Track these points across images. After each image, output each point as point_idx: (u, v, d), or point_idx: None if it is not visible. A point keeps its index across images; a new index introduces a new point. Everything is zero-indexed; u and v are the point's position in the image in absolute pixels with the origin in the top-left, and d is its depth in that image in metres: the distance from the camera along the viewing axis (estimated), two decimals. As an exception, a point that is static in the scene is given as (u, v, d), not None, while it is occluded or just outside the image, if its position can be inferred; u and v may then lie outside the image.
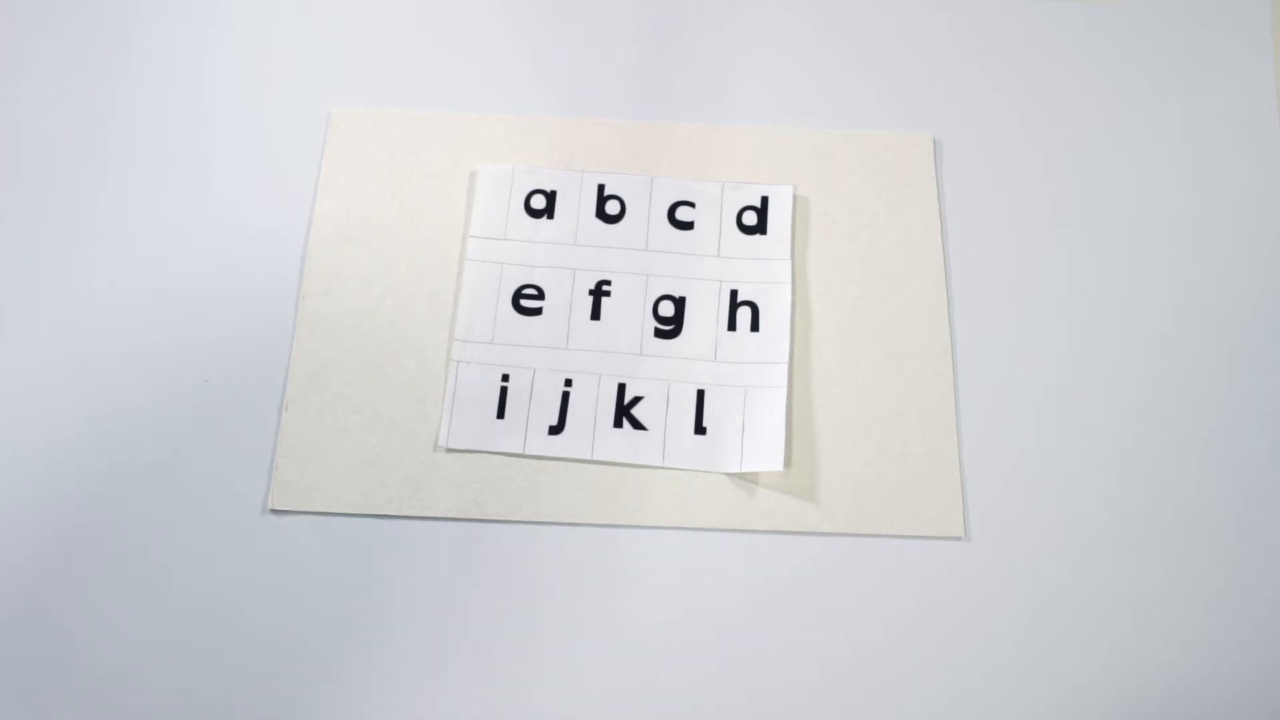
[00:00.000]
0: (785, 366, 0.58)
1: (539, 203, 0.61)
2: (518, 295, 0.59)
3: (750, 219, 0.61)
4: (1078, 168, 0.63)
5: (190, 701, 0.52)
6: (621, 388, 0.57)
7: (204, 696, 0.52)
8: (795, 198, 0.62)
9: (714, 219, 0.61)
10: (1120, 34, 0.66)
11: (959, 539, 0.55)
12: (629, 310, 0.59)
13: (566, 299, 0.59)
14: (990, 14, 0.67)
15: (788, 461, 0.56)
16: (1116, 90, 0.65)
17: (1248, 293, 0.61)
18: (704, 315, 0.59)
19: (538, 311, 0.59)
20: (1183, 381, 0.59)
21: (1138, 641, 0.54)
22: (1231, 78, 0.66)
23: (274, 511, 0.55)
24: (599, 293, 0.59)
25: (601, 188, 0.62)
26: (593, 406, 0.57)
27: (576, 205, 0.61)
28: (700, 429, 0.57)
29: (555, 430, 0.56)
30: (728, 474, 0.56)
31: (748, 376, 0.58)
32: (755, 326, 0.59)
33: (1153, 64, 0.66)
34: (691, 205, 0.61)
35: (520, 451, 0.56)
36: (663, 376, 0.58)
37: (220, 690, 0.52)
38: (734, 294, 0.59)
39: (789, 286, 0.59)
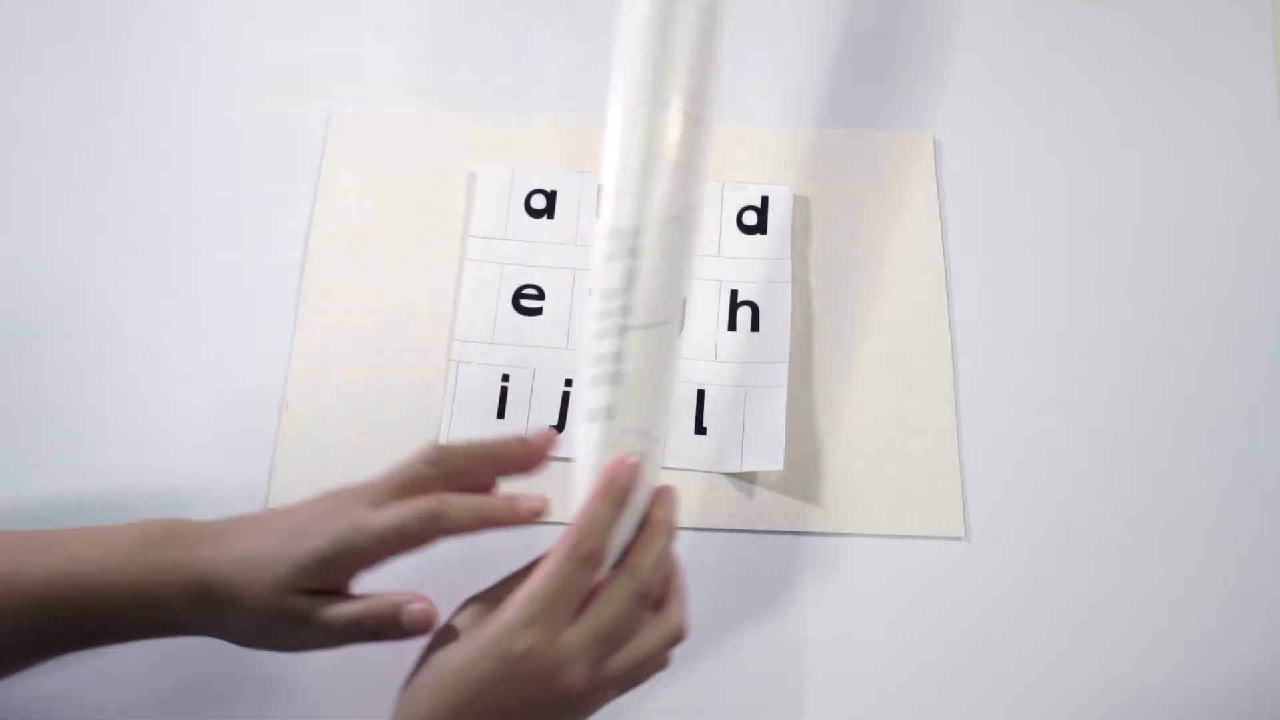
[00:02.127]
0: (785, 366, 0.58)
1: (539, 203, 0.61)
2: (518, 295, 0.59)
3: (750, 219, 0.61)
4: (1078, 168, 0.63)
5: (191, 702, 0.52)
6: (621, 388, 0.57)
7: (204, 696, 0.52)
8: (795, 198, 0.62)
9: (714, 219, 0.61)
10: (1120, 34, 0.66)
11: (959, 539, 0.55)
12: (629, 310, 0.59)
13: (567, 299, 0.59)
14: (991, 14, 0.67)
15: (788, 461, 0.56)
16: (1116, 90, 0.65)
17: (1248, 293, 0.61)
18: (704, 315, 0.59)
19: (538, 311, 0.59)
20: (1183, 381, 0.59)
21: (1138, 641, 0.54)
22: (1231, 78, 0.66)
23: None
24: (599, 293, 0.59)
25: (601, 188, 0.62)
26: (593, 406, 0.57)
27: (576, 205, 0.61)
28: (700, 429, 0.57)
29: (555, 430, 0.56)
30: (728, 474, 0.56)
31: (748, 376, 0.58)
32: (755, 326, 0.59)
33: (1153, 64, 0.66)
34: (691, 205, 0.61)
35: (520, 451, 0.56)
36: (663, 376, 0.58)
37: (221, 690, 0.52)
38: (734, 294, 0.59)
39: (789, 286, 0.59)
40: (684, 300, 0.44)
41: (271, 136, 0.63)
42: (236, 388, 0.57)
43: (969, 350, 0.59)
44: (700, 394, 0.57)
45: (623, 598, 0.41)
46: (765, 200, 0.61)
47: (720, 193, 0.62)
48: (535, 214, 0.61)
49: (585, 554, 0.40)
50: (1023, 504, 0.56)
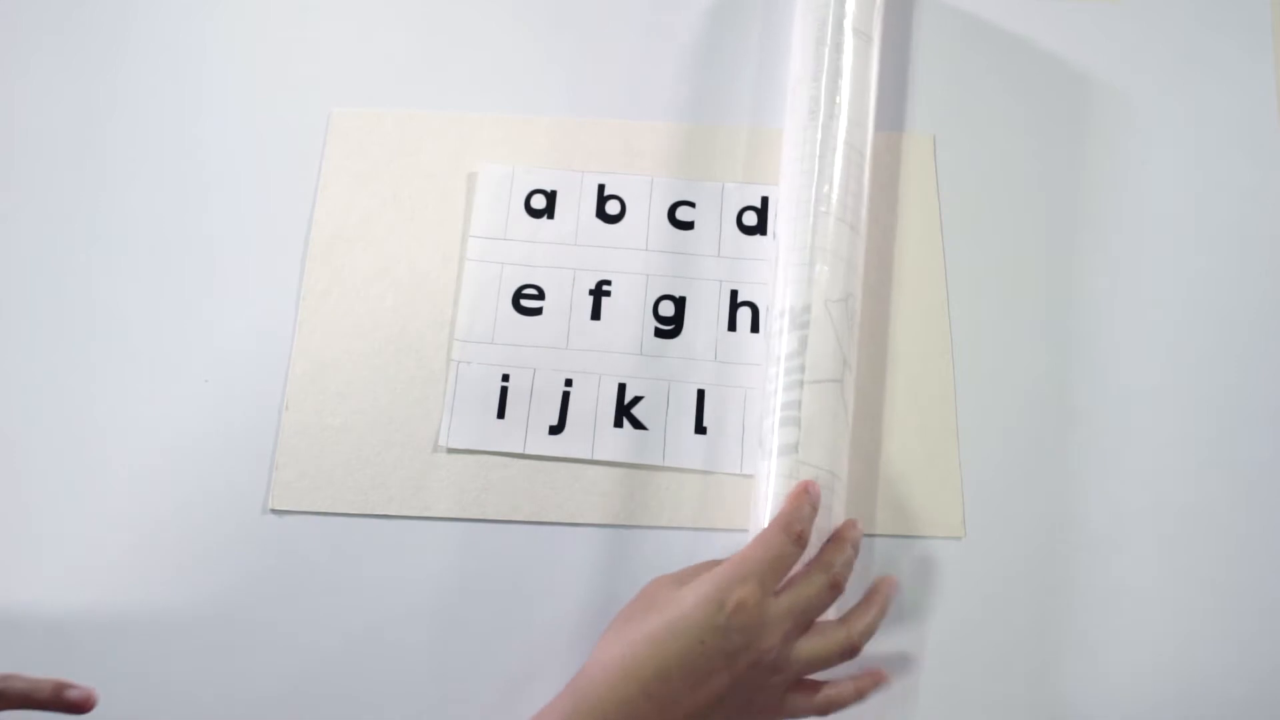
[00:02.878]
0: (785, 366, 0.58)
1: (539, 203, 0.61)
2: (518, 295, 0.59)
3: (750, 219, 0.61)
4: (1078, 167, 0.63)
5: (190, 701, 0.52)
6: (621, 388, 0.57)
7: (204, 696, 0.52)
8: (795, 198, 0.62)
9: (714, 219, 0.61)
10: (1120, 34, 0.66)
11: (958, 539, 0.55)
12: (629, 310, 0.59)
13: (567, 299, 0.59)
14: (991, 13, 0.67)
15: (788, 461, 0.56)
16: (1116, 90, 0.65)
17: (1248, 292, 0.61)
18: (704, 315, 0.59)
19: (538, 311, 0.59)
20: (1182, 381, 0.59)
21: (1137, 641, 0.54)
22: (1231, 78, 0.66)
23: (274, 511, 0.55)
24: (599, 293, 0.59)
25: (601, 188, 0.62)
26: (593, 406, 0.57)
27: (576, 205, 0.61)
28: (700, 429, 0.57)
29: (555, 430, 0.56)
30: (728, 474, 0.56)
31: (748, 376, 0.58)
32: (755, 327, 0.59)
33: (1153, 64, 0.66)
34: (691, 205, 0.61)
35: (520, 451, 0.56)
36: (663, 376, 0.58)
37: (220, 690, 0.52)
38: (734, 294, 0.59)
39: (789, 286, 0.59)
40: (849, 366, 0.52)
41: (271, 136, 0.63)
42: (236, 388, 0.57)
43: (969, 350, 0.59)
44: (700, 394, 0.57)
45: (817, 583, 0.47)
46: (765, 200, 0.61)
47: (720, 193, 0.62)
48: (535, 214, 0.61)
49: (796, 533, 0.47)
50: (1022, 504, 0.56)
